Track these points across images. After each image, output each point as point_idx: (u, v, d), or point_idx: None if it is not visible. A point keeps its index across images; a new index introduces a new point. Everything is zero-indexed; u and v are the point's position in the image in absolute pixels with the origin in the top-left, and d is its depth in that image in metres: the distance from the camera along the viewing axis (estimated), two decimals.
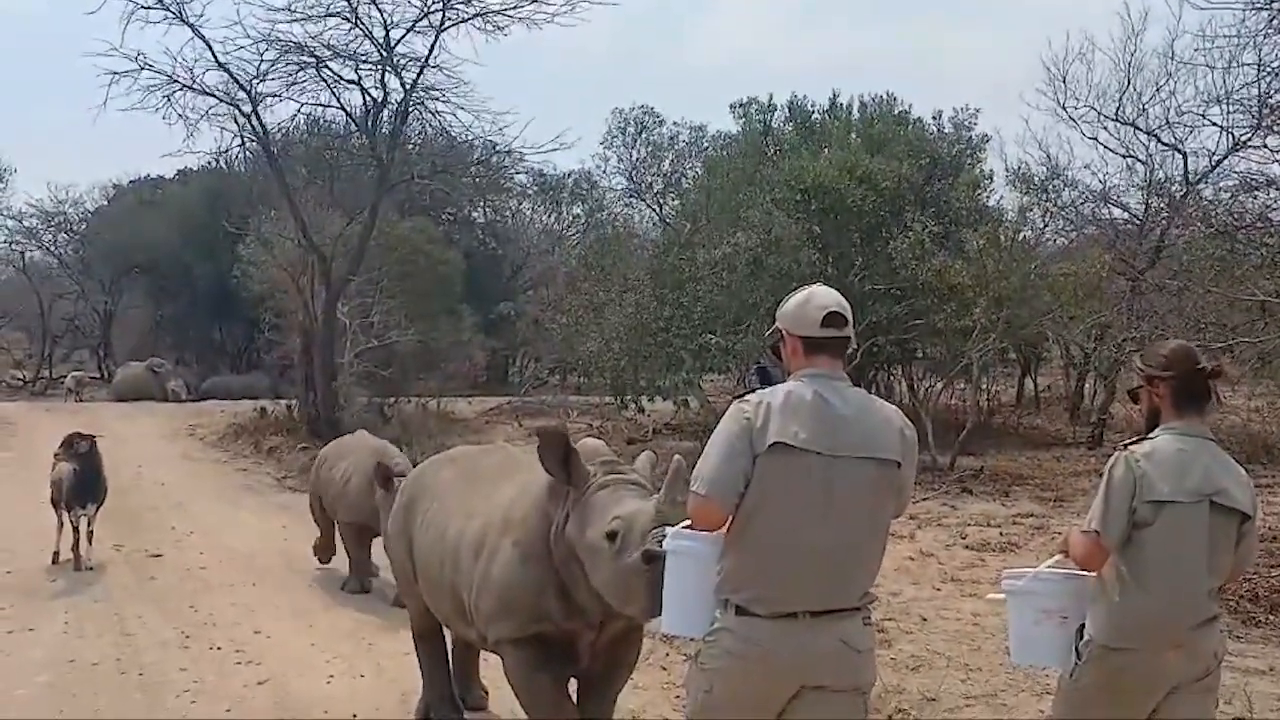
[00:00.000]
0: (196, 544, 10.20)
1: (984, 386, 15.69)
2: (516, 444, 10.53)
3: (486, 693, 5.75)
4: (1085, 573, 3.56)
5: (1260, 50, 9.39)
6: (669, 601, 3.33)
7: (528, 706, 4.52)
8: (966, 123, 16.39)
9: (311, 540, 9.20)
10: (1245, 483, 3.50)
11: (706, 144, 21.34)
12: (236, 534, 10.66)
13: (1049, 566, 3.69)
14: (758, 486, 3.07)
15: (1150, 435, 3.53)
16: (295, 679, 6.31)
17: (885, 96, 18.53)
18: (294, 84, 16.03)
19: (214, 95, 15.69)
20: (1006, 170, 17.26)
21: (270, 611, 7.82)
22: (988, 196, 15.97)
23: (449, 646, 5.57)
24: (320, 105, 17.08)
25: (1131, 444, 3.51)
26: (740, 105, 19.35)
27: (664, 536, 3.42)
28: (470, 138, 17.89)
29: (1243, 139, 13.08)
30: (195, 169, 30.56)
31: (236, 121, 16.11)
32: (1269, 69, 9.31)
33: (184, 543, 10.28)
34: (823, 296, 3.27)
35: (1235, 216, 9.66)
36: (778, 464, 3.06)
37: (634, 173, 20.50)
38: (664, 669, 6.19)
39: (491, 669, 5.34)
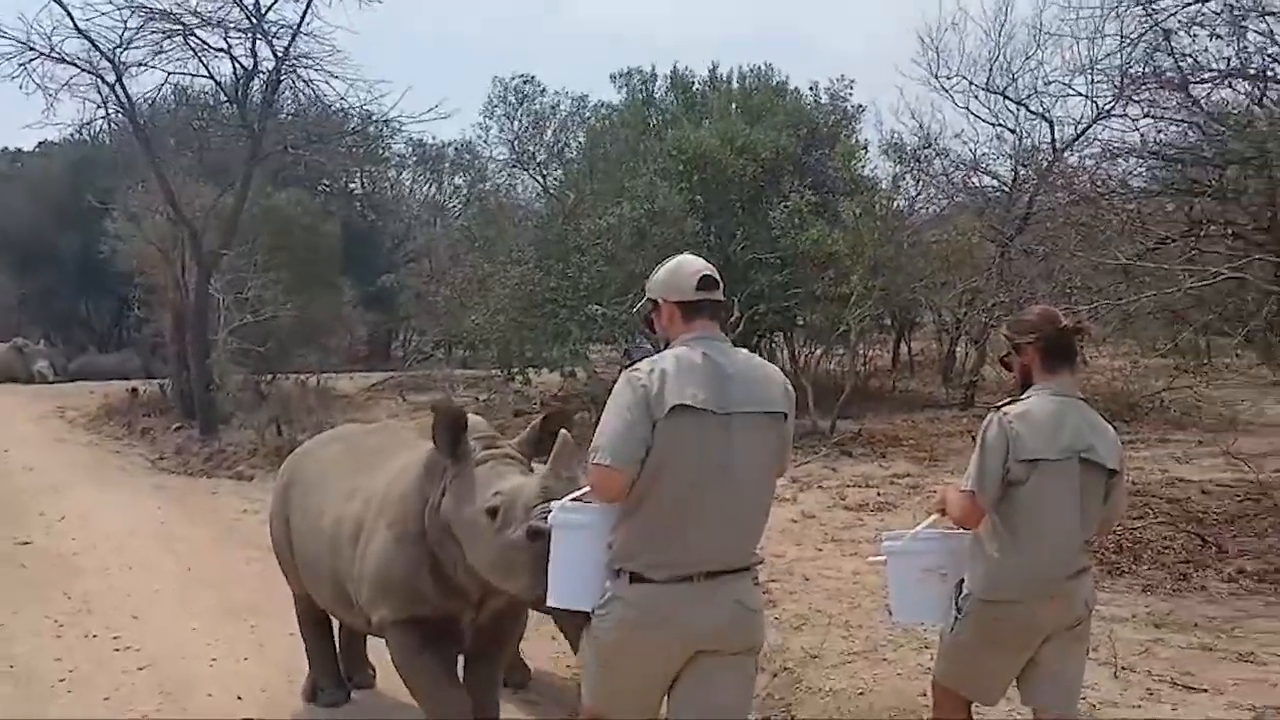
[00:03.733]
0: (68, 529, 9.88)
1: (861, 352, 16.01)
2: (401, 420, 10.40)
3: (375, 671, 5.69)
4: (962, 531, 3.68)
5: (1122, 21, 9.72)
6: (556, 575, 3.33)
7: (413, 688, 4.49)
8: (842, 94, 16.59)
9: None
10: (1113, 440, 3.66)
11: (589, 114, 21.14)
12: (110, 517, 10.33)
13: (925, 527, 3.81)
14: (658, 451, 3.10)
15: (1023, 396, 3.66)
16: (176, 663, 6.17)
17: (763, 67, 18.62)
18: (160, 52, 15.39)
19: (75, 64, 15.00)
20: (881, 140, 17.59)
21: (147, 595, 7.62)
22: (863, 166, 16.18)
23: (335, 627, 5.50)
24: (188, 74, 16.48)
25: (1005, 405, 3.64)
26: (622, 75, 19.22)
27: (549, 511, 3.43)
28: (345, 107, 17.48)
29: (1106, 108, 13.54)
30: (57, 140, 29.38)
31: (100, 91, 15.45)
32: (1130, 40, 9.65)
33: (55, 528, 9.94)
34: (692, 263, 3.37)
35: (1098, 183, 10.02)
36: (679, 427, 3.10)
37: (516, 143, 20.19)
38: (554, 639, 6.16)
39: (380, 647, 5.29)
